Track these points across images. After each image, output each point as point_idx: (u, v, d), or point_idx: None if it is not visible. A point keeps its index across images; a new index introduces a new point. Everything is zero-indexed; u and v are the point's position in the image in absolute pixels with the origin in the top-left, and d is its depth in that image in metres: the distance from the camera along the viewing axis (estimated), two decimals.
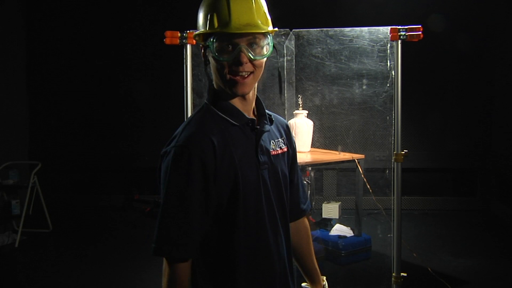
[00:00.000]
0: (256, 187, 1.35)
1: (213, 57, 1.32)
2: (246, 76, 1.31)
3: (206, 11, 1.33)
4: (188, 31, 3.04)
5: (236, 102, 1.37)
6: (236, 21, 1.28)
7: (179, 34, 3.03)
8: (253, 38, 1.31)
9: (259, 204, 1.36)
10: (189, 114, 3.11)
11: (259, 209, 1.36)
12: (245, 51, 1.29)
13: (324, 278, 1.69)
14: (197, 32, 1.37)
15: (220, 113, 1.35)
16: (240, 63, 1.29)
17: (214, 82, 1.39)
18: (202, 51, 1.37)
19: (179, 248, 1.26)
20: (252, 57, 1.30)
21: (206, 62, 1.37)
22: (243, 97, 1.37)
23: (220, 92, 1.37)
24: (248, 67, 1.30)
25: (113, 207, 6.45)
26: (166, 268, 1.29)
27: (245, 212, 1.33)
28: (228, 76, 1.31)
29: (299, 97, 4.08)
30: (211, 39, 1.31)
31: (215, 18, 1.30)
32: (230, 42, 1.30)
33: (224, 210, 1.32)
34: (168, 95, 6.21)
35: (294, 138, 1.60)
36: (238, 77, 1.31)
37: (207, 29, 1.32)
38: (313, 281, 1.67)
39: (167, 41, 3.03)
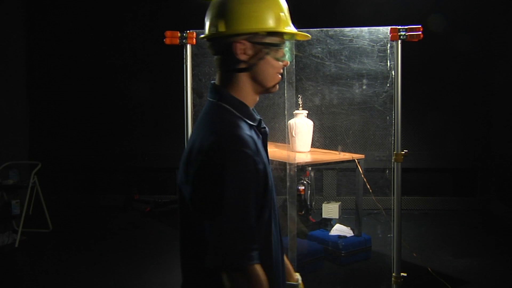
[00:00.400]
0: (273, 185, 1.36)
1: (276, 56, 1.30)
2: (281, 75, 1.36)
3: (273, 9, 1.29)
4: (188, 31, 3.04)
5: (251, 101, 1.34)
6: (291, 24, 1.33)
7: (179, 34, 3.03)
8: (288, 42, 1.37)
9: (274, 201, 1.38)
10: (189, 114, 3.10)
11: (275, 207, 1.38)
12: (289, 53, 1.35)
13: (298, 274, 1.64)
14: (264, 28, 1.27)
15: (238, 114, 1.30)
16: (286, 63, 1.34)
17: (227, 79, 1.31)
18: (245, 44, 1.27)
19: (255, 252, 1.17)
20: (289, 59, 1.37)
21: (254, 58, 1.28)
22: (258, 96, 1.36)
23: (228, 91, 1.31)
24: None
25: (113, 207, 6.45)
26: (245, 277, 1.16)
27: (274, 209, 1.33)
28: (277, 75, 1.33)
29: (299, 97, 4.08)
30: (283, 38, 1.31)
31: (285, 18, 1.32)
32: (287, 44, 1.34)
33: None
34: (168, 95, 6.22)
35: None
36: (280, 76, 1.35)
37: (280, 27, 1.28)
38: (288, 275, 1.63)
39: (167, 41, 3.03)
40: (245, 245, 1.16)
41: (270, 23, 1.28)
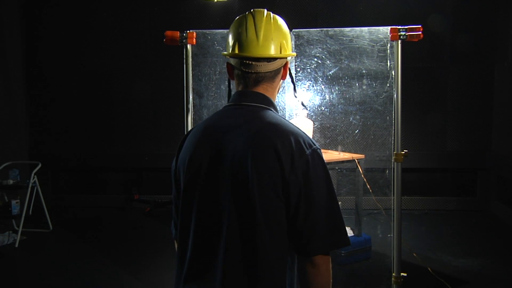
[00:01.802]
0: None
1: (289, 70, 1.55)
2: None
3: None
4: (188, 31, 3.04)
5: None
6: None
7: (179, 34, 3.03)
8: None
9: None
10: (189, 114, 3.10)
11: None
12: None
13: None
14: (293, 53, 1.55)
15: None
16: None
17: (272, 93, 1.50)
18: (286, 66, 1.52)
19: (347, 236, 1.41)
20: None
21: (284, 77, 1.54)
22: None
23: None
24: None
25: (113, 207, 6.45)
26: (326, 262, 1.36)
27: None
28: None
29: (298, 99, 4.08)
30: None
31: None
32: None
33: None
34: (168, 95, 6.23)
35: None
36: None
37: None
38: None
39: (167, 41, 3.03)
40: (344, 227, 1.41)
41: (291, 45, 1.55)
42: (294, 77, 1.64)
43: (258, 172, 1.30)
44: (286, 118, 3.51)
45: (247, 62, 1.43)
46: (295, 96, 1.78)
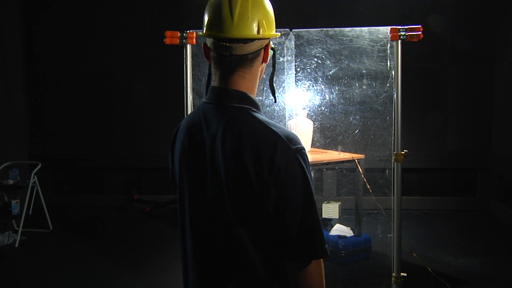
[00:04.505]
0: None
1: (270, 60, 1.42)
2: None
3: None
4: (188, 31, 3.04)
5: None
6: None
7: (179, 34, 3.03)
8: None
9: None
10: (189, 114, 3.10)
11: None
12: None
13: None
14: (276, 33, 1.40)
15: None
16: None
17: (250, 83, 1.36)
18: (267, 48, 1.38)
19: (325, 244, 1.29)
20: None
21: (265, 60, 1.40)
22: None
23: (252, 96, 1.37)
24: None
25: (113, 207, 6.45)
26: (318, 268, 1.27)
27: None
28: None
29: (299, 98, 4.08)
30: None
31: None
32: None
33: None
34: (168, 95, 6.22)
35: None
36: None
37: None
38: None
39: (167, 41, 3.04)
40: (322, 235, 1.27)
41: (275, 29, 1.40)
42: (275, 61, 1.47)
43: (233, 176, 1.25)
44: (286, 118, 3.52)
45: (222, 43, 1.30)
46: (271, 85, 1.51)
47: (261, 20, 1.31)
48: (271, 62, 1.43)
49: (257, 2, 1.32)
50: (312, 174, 4.63)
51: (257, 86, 1.40)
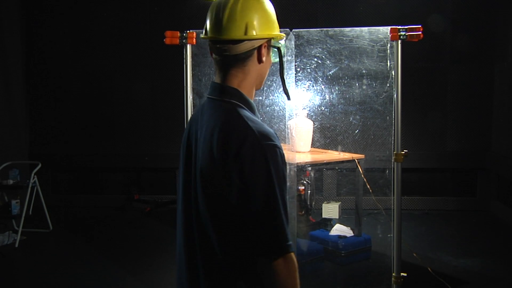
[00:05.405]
0: None
1: (272, 57, 1.46)
2: None
3: (274, 16, 1.45)
4: (188, 31, 3.04)
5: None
6: None
7: (179, 34, 3.03)
8: None
9: None
10: (189, 114, 3.11)
11: None
12: None
13: None
14: (277, 34, 1.44)
15: (252, 115, 1.39)
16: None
17: (244, 82, 1.42)
18: (261, 48, 1.41)
19: (290, 241, 1.29)
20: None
21: (267, 60, 1.44)
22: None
23: (244, 93, 1.41)
24: None
25: (113, 207, 6.45)
26: (286, 265, 1.26)
27: None
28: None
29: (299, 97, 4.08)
30: (280, 41, 1.45)
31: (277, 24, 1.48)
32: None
33: None
34: (168, 95, 6.22)
35: None
36: None
37: (279, 31, 1.44)
38: None
39: (167, 41, 3.04)
40: (287, 232, 1.27)
41: (276, 29, 1.45)
42: (281, 59, 1.49)
43: (203, 161, 1.32)
44: (286, 118, 3.52)
45: (215, 45, 1.40)
46: (282, 82, 1.54)
47: (250, 22, 1.37)
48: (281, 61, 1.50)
49: (247, 5, 1.38)
50: (312, 174, 4.64)
51: (254, 86, 1.45)
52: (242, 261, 1.31)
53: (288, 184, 3.36)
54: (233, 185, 1.26)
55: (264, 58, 1.42)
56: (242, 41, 1.37)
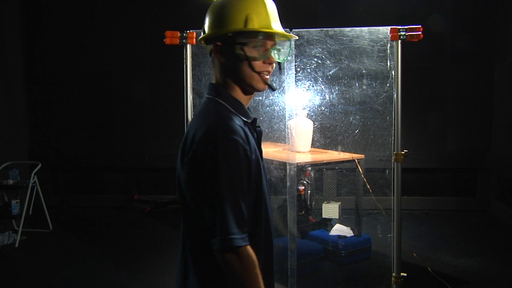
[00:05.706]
0: (265, 184, 1.44)
1: (247, 55, 1.37)
2: (268, 74, 1.44)
3: (242, 11, 1.38)
4: (188, 31, 3.04)
5: (244, 100, 1.45)
6: (273, 25, 1.39)
7: (179, 34, 3.03)
8: (278, 42, 1.44)
9: (267, 200, 1.45)
10: (189, 114, 3.11)
11: (268, 207, 1.45)
12: (275, 53, 1.43)
13: None
14: (232, 29, 1.38)
15: (233, 110, 1.40)
16: (270, 62, 1.41)
17: (220, 79, 1.45)
18: (221, 46, 1.40)
19: (246, 234, 1.28)
20: (277, 58, 1.45)
21: (229, 58, 1.40)
22: (250, 95, 1.46)
23: (225, 89, 1.43)
24: (272, 66, 1.43)
25: (113, 207, 6.45)
26: (237, 259, 1.25)
27: (266, 207, 1.42)
28: (257, 73, 1.40)
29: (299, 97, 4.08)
30: (252, 37, 1.37)
31: (255, 19, 1.37)
32: (263, 43, 1.39)
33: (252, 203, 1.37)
34: (168, 95, 6.23)
35: None
36: (264, 75, 1.42)
37: (247, 27, 1.36)
38: None
39: (167, 41, 3.03)
40: (238, 227, 1.25)
41: (238, 25, 1.37)
42: (250, 55, 1.40)
43: (180, 164, 1.37)
44: (286, 118, 3.52)
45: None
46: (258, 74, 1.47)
47: (209, 22, 1.43)
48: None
49: (212, 6, 1.44)
50: (312, 174, 4.64)
51: (236, 83, 1.42)
52: (198, 254, 1.37)
53: (288, 184, 3.36)
54: (187, 173, 1.30)
55: (222, 56, 1.40)
56: (208, 41, 1.45)
